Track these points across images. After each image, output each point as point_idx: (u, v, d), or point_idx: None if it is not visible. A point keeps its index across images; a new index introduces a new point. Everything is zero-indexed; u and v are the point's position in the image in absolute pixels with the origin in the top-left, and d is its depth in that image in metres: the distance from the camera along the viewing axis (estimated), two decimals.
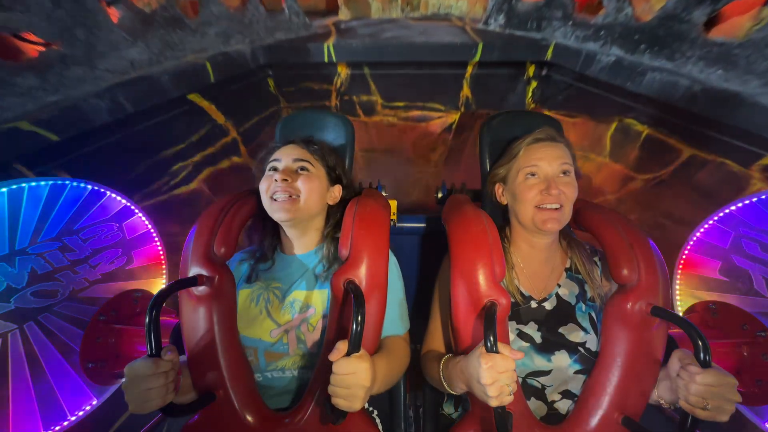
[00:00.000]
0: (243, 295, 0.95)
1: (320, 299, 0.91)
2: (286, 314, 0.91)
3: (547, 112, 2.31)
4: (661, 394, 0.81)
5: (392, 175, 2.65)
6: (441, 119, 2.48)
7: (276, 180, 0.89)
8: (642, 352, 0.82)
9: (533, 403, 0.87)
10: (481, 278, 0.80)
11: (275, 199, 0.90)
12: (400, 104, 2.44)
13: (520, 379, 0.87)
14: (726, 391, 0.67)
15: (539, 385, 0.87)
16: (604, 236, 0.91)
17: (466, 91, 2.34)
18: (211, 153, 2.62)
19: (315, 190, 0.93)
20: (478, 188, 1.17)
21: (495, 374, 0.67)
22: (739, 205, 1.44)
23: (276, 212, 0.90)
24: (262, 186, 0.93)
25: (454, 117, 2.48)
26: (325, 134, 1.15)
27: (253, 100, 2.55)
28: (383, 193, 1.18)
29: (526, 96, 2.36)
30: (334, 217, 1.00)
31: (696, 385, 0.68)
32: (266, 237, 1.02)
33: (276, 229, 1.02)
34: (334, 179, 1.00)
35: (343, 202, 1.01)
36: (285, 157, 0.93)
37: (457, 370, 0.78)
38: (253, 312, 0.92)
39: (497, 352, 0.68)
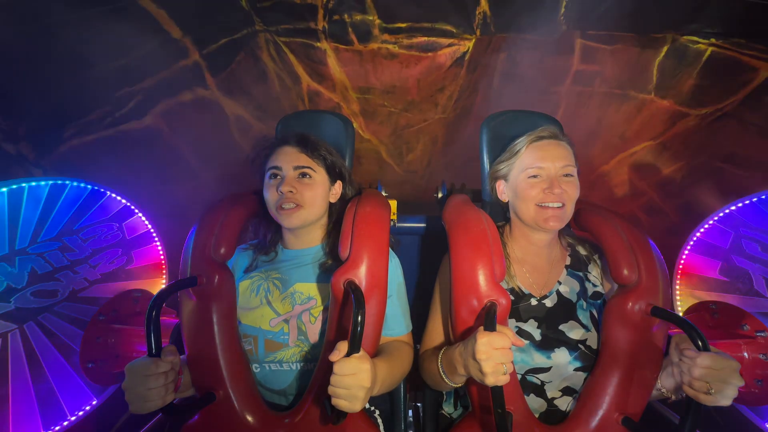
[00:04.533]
0: (243, 286, 0.96)
1: (323, 292, 0.93)
2: (286, 304, 0.92)
3: (581, 40, 1.92)
4: (663, 383, 0.81)
5: (393, 122, 2.22)
6: (451, 48, 2.00)
7: (282, 191, 0.91)
8: (642, 352, 0.82)
9: (533, 400, 0.87)
10: (481, 278, 0.80)
11: (283, 208, 0.92)
12: (403, 26, 1.93)
13: (519, 376, 0.87)
14: (728, 373, 0.67)
15: (539, 382, 0.87)
16: (605, 237, 0.91)
17: (483, 5, 1.84)
18: (166, 78, 1.96)
19: (319, 196, 0.95)
20: (478, 188, 1.17)
21: (490, 350, 0.68)
22: (739, 205, 1.45)
23: (285, 220, 0.92)
24: (267, 195, 0.94)
25: (467, 45, 1.99)
26: (325, 134, 1.15)
27: (220, 15, 1.92)
28: (383, 193, 1.17)
29: (560, 11, 1.84)
30: (337, 212, 1.01)
31: (698, 367, 0.68)
32: (269, 233, 1.04)
33: (278, 226, 1.02)
34: (334, 177, 1.01)
35: (343, 198, 1.03)
36: (285, 164, 0.94)
37: (455, 353, 0.77)
38: (253, 302, 0.94)
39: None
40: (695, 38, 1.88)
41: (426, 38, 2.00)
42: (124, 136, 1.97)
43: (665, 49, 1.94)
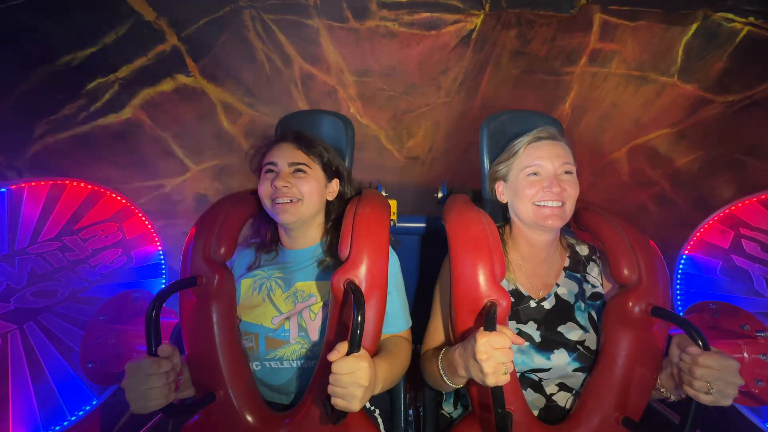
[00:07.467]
0: (245, 284, 0.96)
1: (322, 289, 0.93)
2: (288, 303, 0.92)
3: (601, 15, 1.74)
4: (663, 383, 0.82)
5: (393, 107, 2.05)
6: (457, 25, 1.79)
7: (276, 186, 0.91)
8: (642, 352, 0.82)
9: (531, 395, 0.87)
10: (481, 278, 0.80)
11: (277, 203, 0.91)
12: (403, 0, 1.71)
13: (519, 374, 0.87)
14: (728, 373, 0.68)
15: (537, 379, 0.88)
16: (605, 236, 0.91)
17: None
18: (143, 67, 1.77)
19: (314, 192, 0.95)
20: (478, 188, 1.17)
21: (490, 350, 0.68)
22: (739, 205, 1.45)
23: (279, 215, 0.92)
24: (261, 190, 0.94)
25: (474, 21, 1.77)
26: (325, 135, 1.15)
27: None
28: (383, 193, 1.17)
29: None
30: (335, 211, 1.01)
31: (699, 367, 0.68)
32: (269, 232, 1.04)
33: (276, 225, 1.02)
34: (331, 175, 1.01)
35: (341, 196, 1.03)
36: (280, 159, 0.94)
37: (455, 354, 0.78)
38: (255, 299, 0.94)
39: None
40: (731, 15, 1.66)
41: (429, 14, 1.78)
42: (102, 132, 1.83)
43: (694, 27, 1.72)
